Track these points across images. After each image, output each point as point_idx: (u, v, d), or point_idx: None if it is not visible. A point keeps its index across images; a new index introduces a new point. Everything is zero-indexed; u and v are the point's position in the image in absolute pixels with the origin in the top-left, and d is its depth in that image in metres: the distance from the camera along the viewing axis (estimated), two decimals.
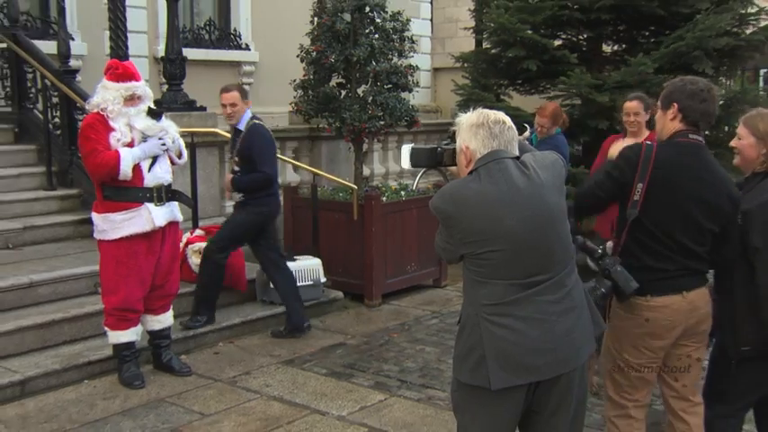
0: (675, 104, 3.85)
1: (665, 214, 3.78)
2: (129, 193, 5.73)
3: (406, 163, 3.70)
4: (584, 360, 3.23)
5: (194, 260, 7.18)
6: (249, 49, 13.03)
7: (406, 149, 3.66)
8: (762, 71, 14.55)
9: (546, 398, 3.17)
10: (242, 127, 6.87)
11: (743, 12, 10.70)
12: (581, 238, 3.85)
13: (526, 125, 7.00)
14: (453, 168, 3.41)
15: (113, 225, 5.71)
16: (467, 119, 3.25)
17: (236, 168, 6.97)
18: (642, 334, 3.85)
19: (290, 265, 7.69)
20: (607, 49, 11.99)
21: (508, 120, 3.24)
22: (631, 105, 6.17)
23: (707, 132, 11.60)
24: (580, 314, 3.21)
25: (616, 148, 5.86)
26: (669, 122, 3.89)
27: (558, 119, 7.19)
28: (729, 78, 12.93)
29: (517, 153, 3.22)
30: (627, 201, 3.80)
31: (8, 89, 9.20)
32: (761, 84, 14.38)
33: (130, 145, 5.70)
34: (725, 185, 3.87)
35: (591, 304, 3.32)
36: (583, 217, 4.04)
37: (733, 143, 4.07)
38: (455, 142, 3.33)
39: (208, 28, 12.73)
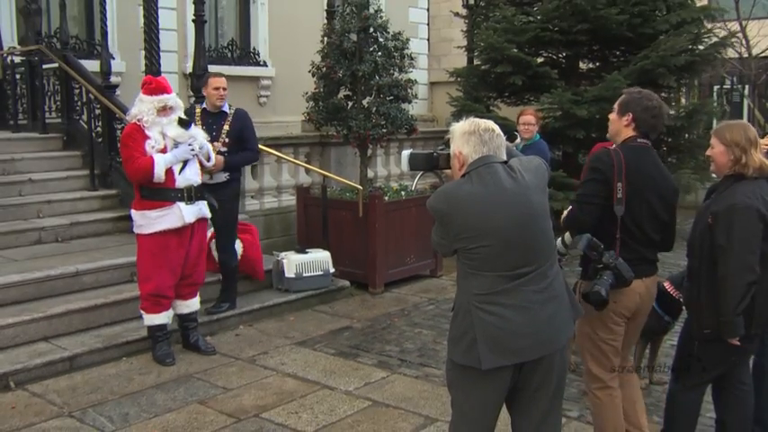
0: (631, 114, 3.98)
1: (637, 209, 3.89)
2: (163, 194, 5.78)
3: (405, 166, 3.70)
4: (564, 342, 3.25)
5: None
6: (267, 66, 13.07)
7: (405, 154, 3.65)
8: (715, 87, 14.64)
9: (530, 376, 3.19)
10: (226, 110, 6.73)
11: (695, 32, 10.83)
12: (589, 235, 3.86)
13: (516, 133, 7.08)
14: (448, 171, 3.40)
15: (149, 221, 5.77)
16: (460, 127, 3.25)
17: (224, 149, 6.64)
18: (611, 314, 3.96)
19: (303, 256, 7.74)
20: (583, 66, 12.06)
21: (497, 128, 3.25)
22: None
23: (669, 139, 11.74)
24: (560, 302, 3.22)
25: None
26: (624, 128, 4.02)
27: (539, 121, 7.36)
28: (689, 91, 13.04)
29: (505, 158, 3.23)
30: (611, 200, 3.86)
31: (58, 103, 9.23)
32: (714, 98, 14.52)
33: (163, 151, 5.75)
34: (670, 180, 4.11)
35: (570, 292, 3.32)
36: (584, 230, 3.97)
37: (708, 152, 4.11)
38: (449, 148, 3.33)
39: (230, 47, 12.78)
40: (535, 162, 3.30)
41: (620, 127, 4.04)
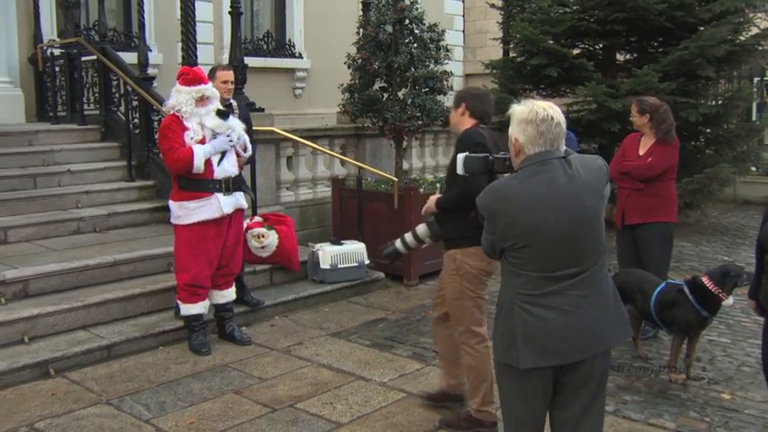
0: (464, 104, 4.54)
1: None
2: (201, 184, 5.80)
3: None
4: (607, 347, 3.18)
5: (254, 243, 7.21)
6: (302, 58, 13.09)
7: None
8: (755, 79, 14.37)
9: (570, 377, 3.13)
10: (232, 102, 6.51)
11: (737, 21, 10.62)
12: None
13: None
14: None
15: (187, 212, 5.79)
16: (519, 112, 3.11)
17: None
18: (484, 274, 4.53)
19: (338, 248, 7.73)
20: (620, 57, 11.90)
21: (557, 115, 3.09)
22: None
23: (707, 130, 11.56)
24: (606, 307, 3.12)
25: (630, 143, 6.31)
26: (460, 117, 4.56)
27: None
28: (728, 82, 12.84)
29: (563, 149, 3.11)
30: None
31: (96, 94, 9.31)
32: (754, 88, 14.24)
33: (202, 142, 5.76)
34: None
35: (618, 299, 3.23)
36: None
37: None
38: (504, 153, 3.30)
39: (266, 39, 12.82)
40: (598, 163, 3.17)
41: (459, 117, 4.58)
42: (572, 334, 3.04)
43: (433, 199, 4.61)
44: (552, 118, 3.05)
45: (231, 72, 6.53)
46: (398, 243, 4.80)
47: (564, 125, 3.10)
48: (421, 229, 4.69)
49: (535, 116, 3.05)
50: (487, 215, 3.14)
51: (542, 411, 3.23)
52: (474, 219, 3.98)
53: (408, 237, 4.75)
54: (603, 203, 3.12)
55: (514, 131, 3.11)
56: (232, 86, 6.52)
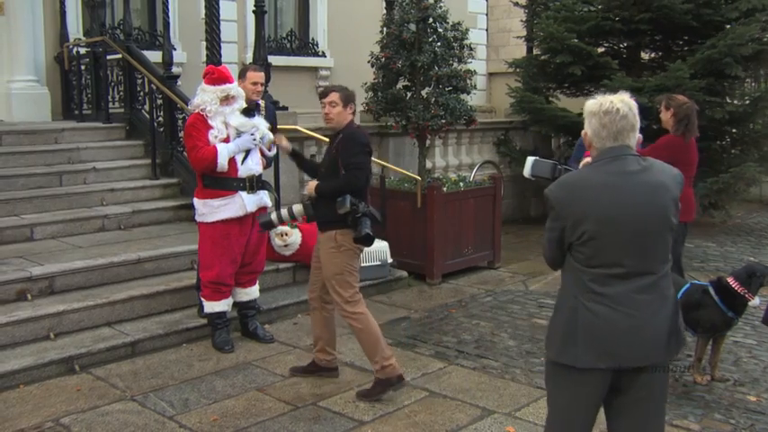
0: (352, 105, 5.22)
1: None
2: (226, 183, 5.82)
3: (528, 170, 3.65)
4: (669, 357, 3.09)
5: (277, 242, 7.24)
6: (325, 56, 13.12)
7: (530, 159, 3.63)
8: None
9: (630, 385, 3.06)
10: (259, 102, 6.48)
11: (765, 19, 10.48)
12: (350, 196, 4.93)
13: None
14: None
15: (212, 210, 5.82)
16: (588, 105, 3.09)
17: None
18: (357, 249, 5.14)
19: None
20: (645, 56, 11.81)
21: (624, 107, 3.00)
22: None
23: (733, 130, 11.47)
24: (669, 317, 3.04)
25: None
26: (348, 114, 5.19)
27: None
28: (756, 81, 12.69)
29: (633, 143, 3.03)
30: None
31: (121, 93, 9.38)
32: None
33: (226, 140, 5.78)
34: None
35: (679, 315, 3.13)
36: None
37: None
38: (567, 166, 3.34)
39: (289, 38, 12.86)
40: (674, 171, 3.09)
41: (346, 115, 5.17)
42: (635, 339, 2.97)
43: (312, 185, 5.15)
44: (618, 110, 2.99)
45: (262, 74, 6.50)
46: (274, 215, 5.40)
47: (632, 118, 3.01)
48: (297, 208, 5.29)
49: (599, 108, 3.02)
50: (559, 206, 3.03)
51: (593, 416, 3.17)
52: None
53: (284, 212, 5.34)
54: (676, 209, 3.03)
55: (585, 126, 3.09)
56: (261, 88, 6.48)
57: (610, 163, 3.00)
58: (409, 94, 8.60)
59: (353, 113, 5.25)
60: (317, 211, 5.18)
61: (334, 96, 5.15)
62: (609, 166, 2.99)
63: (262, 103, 6.59)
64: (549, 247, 3.16)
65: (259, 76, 6.39)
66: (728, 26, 10.37)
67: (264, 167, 6.22)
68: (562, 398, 3.16)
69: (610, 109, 2.99)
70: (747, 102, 10.97)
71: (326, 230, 5.13)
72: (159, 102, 8.74)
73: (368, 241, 5.02)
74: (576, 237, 3.00)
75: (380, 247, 7.86)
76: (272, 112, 6.91)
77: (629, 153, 3.01)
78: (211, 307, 6.01)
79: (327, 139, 8.68)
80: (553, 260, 3.20)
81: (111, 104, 9.44)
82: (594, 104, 3.05)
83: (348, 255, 5.09)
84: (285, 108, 8.64)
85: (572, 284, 3.07)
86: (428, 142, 9.37)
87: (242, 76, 6.26)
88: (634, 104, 3.04)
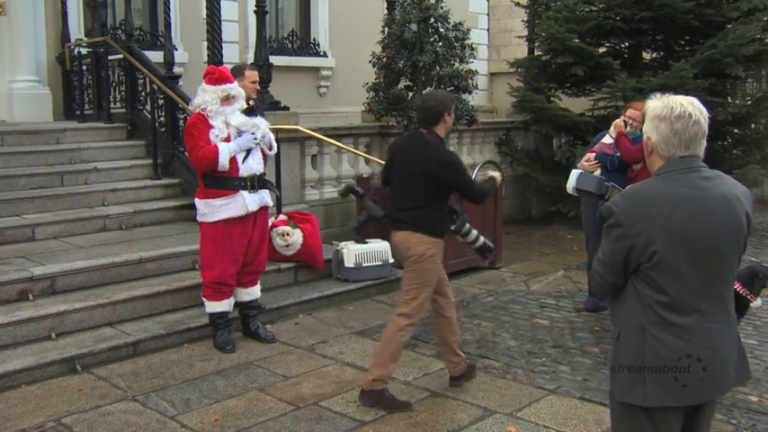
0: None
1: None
2: (227, 182, 5.83)
3: (572, 182, 3.57)
4: (729, 388, 2.90)
5: (278, 241, 7.24)
6: (327, 56, 13.13)
7: (575, 172, 3.59)
8: None
9: (693, 417, 2.84)
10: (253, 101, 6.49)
11: (765, 20, 10.50)
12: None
13: None
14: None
15: (213, 209, 5.83)
16: (653, 107, 2.79)
17: None
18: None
19: (363, 246, 7.74)
20: (646, 56, 11.81)
21: (696, 112, 2.73)
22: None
23: (735, 130, 11.50)
24: (735, 344, 2.83)
25: None
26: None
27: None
28: (757, 81, 12.70)
29: (702, 151, 2.77)
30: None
31: (123, 93, 9.38)
32: None
33: (227, 140, 5.79)
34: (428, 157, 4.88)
35: (740, 342, 2.91)
36: None
37: None
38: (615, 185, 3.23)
39: (291, 38, 12.87)
40: (743, 186, 2.85)
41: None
42: (706, 374, 2.70)
43: None
44: (690, 115, 2.72)
45: (257, 72, 6.57)
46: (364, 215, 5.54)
47: (704, 124, 2.76)
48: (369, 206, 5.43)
49: (670, 112, 2.73)
50: (628, 223, 2.69)
51: None
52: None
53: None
54: (749, 225, 2.79)
55: (647, 129, 2.80)
56: (257, 86, 6.56)
57: (681, 174, 2.72)
58: (411, 94, 8.62)
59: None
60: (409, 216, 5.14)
61: None
62: (681, 178, 2.71)
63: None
64: (610, 273, 2.81)
65: (256, 74, 6.45)
66: (729, 26, 10.38)
67: None
68: None
69: (682, 114, 2.72)
70: (749, 102, 10.97)
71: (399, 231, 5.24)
72: (161, 102, 8.74)
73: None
74: (646, 257, 2.68)
75: (382, 247, 7.86)
76: (262, 109, 6.90)
77: (700, 165, 2.75)
78: (213, 307, 6.01)
79: (328, 139, 8.74)
80: (613, 287, 2.84)
81: (112, 105, 9.44)
82: (663, 108, 2.76)
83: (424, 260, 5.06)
84: (287, 108, 8.64)
85: (638, 313, 2.75)
86: None
87: (240, 74, 6.25)
88: (704, 108, 2.80)
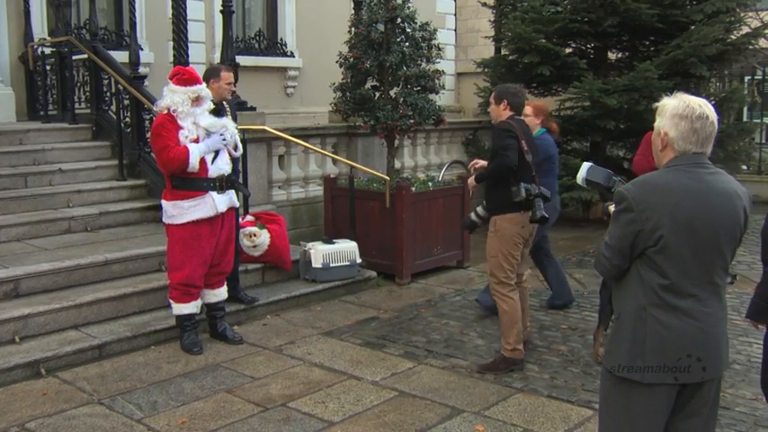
0: (505, 100, 5.64)
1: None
2: (196, 183, 5.81)
3: (583, 173, 3.58)
4: (724, 370, 3.05)
5: (245, 242, 7.21)
6: (294, 57, 13.10)
7: (586, 165, 3.62)
8: (746, 78, 14.45)
9: (687, 401, 2.99)
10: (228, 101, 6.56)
11: (728, 21, 10.68)
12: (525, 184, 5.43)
13: None
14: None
15: (181, 211, 5.80)
16: (672, 105, 2.95)
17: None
18: (520, 236, 5.62)
19: (330, 247, 7.74)
20: (612, 56, 11.93)
21: (712, 113, 2.93)
22: None
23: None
24: (725, 329, 3.01)
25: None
26: (503, 111, 5.67)
27: (540, 115, 6.83)
28: (720, 81, 12.89)
29: (710, 150, 2.96)
30: (522, 152, 5.53)
31: (88, 93, 9.30)
32: (745, 87, 14.31)
33: (196, 141, 5.77)
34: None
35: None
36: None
37: None
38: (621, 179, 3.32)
39: (258, 38, 12.82)
40: (743, 187, 3.03)
41: (500, 111, 5.68)
42: (704, 353, 2.89)
43: (470, 179, 5.91)
44: (707, 116, 2.91)
45: (232, 73, 6.58)
46: (473, 215, 5.90)
47: (715, 125, 2.96)
48: (479, 208, 5.82)
49: (691, 112, 2.90)
50: (639, 208, 2.87)
51: (660, 428, 3.03)
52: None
53: (479, 209, 5.83)
54: (746, 221, 2.98)
55: (665, 125, 2.95)
56: (233, 87, 6.58)
57: (690, 168, 2.91)
58: (378, 95, 8.61)
59: (508, 108, 5.66)
60: (488, 201, 5.74)
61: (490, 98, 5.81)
62: (690, 171, 2.90)
63: (225, 102, 6.59)
64: (617, 255, 2.98)
65: (231, 75, 6.46)
66: (693, 27, 10.53)
67: None
68: (628, 415, 3.01)
69: (702, 114, 2.90)
70: (713, 102, 11.12)
71: (491, 216, 5.68)
72: (126, 102, 8.68)
73: (544, 221, 5.51)
74: (653, 242, 2.87)
75: (349, 247, 7.88)
76: (235, 110, 6.87)
77: (707, 162, 2.95)
78: (180, 309, 5.98)
79: (295, 140, 8.72)
80: (618, 270, 3.02)
81: (77, 105, 9.35)
82: (684, 107, 2.92)
83: (504, 239, 5.59)
84: (253, 108, 8.62)
85: (639, 293, 2.94)
86: (397, 142, 9.38)
87: (216, 75, 6.26)
88: (714, 109, 2.99)
